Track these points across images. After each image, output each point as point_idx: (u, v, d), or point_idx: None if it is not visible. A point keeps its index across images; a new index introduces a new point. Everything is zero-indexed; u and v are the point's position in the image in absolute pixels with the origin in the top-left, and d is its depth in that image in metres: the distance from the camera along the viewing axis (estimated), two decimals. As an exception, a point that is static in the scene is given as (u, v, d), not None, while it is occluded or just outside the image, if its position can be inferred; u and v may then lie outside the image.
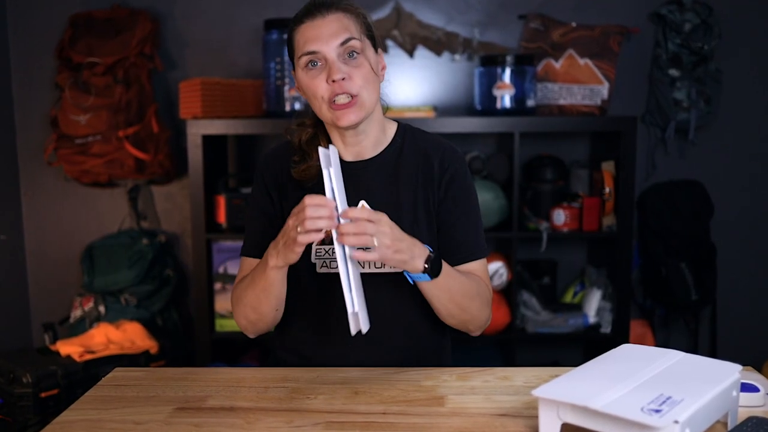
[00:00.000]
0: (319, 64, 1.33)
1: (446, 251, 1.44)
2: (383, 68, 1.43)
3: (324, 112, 1.37)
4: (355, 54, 1.34)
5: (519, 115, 2.68)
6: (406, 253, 1.24)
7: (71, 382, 2.38)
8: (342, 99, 1.33)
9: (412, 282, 1.32)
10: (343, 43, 1.32)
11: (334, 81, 1.32)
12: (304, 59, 1.34)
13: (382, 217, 1.23)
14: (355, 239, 1.19)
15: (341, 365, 1.42)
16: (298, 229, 1.20)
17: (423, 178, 1.45)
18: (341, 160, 1.46)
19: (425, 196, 1.45)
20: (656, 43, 2.90)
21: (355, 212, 1.20)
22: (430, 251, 1.28)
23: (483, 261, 1.46)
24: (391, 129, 1.49)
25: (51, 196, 3.04)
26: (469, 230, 1.44)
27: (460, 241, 1.44)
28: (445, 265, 1.32)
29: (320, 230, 1.19)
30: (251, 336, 1.47)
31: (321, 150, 1.23)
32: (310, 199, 1.19)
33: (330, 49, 1.32)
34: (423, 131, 1.51)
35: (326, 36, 1.32)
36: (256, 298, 1.37)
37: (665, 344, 2.97)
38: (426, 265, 1.27)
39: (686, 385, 1.02)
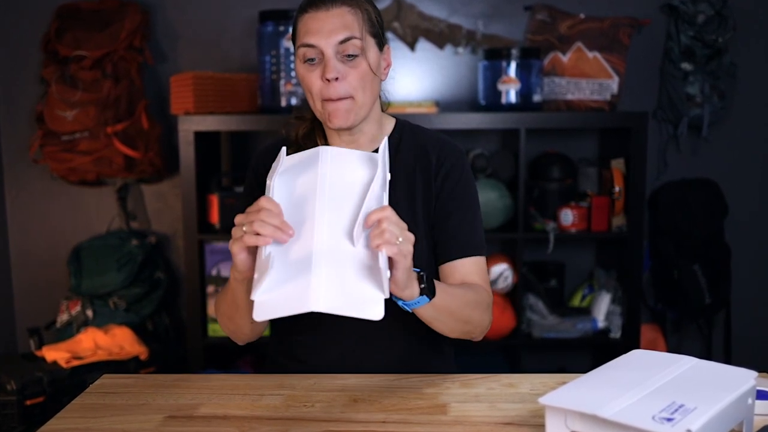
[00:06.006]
0: (317, 59, 1.33)
1: (439, 246, 1.42)
2: (387, 66, 1.42)
3: (317, 109, 1.37)
4: (353, 54, 1.32)
5: (525, 110, 2.66)
6: (406, 273, 1.15)
7: (57, 389, 2.36)
8: (333, 99, 1.33)
9: (409, 310, 1.23)
10: (343, 42, 1.31)
11: (327, 80, 1.31)
12: (302, 51, 1.33)
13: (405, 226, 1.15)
14: (378, 238, 1.09)
15: (339, 370, 1.40)
16: (244, 228, 1.12)
17: (422, 175, 1.43)
18: None
19: (425, 193, 1.43)
20: (668, 36, 2.87)
21: (377, 213, 1.10)
22: (418, 271, 1.21)
23: (479, 259, 1.42)
24: (389, 125, 1.48)
25: (37, 195, 3.02)
26: (464, 225, 1.41)
27: (454, 235, 1.41)
28: (438, 283, 1.26)
29: (265, 236, 1.10)
30: (240, 344, 1.45)
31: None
32: (266, 202, 1.12)
33: (328, 45, 1.31)
34: (422, 127, 1.50)
35: (326, 31, 1.31)
36: (228, 309, 1.35)
37: (677, 350, 2.95)
38: (421, 285, 1.19)
39: (699, 392, 1.00)
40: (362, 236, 1.11)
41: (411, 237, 1.13)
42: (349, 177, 1.17)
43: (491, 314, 1.41)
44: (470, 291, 1.35)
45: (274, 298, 1.06)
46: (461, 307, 1.31)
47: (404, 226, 1.13)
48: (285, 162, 1.22)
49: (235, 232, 1.13)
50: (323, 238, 1.10)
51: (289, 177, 1.19)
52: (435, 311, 1.26)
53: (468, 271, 1.40)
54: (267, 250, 1.10)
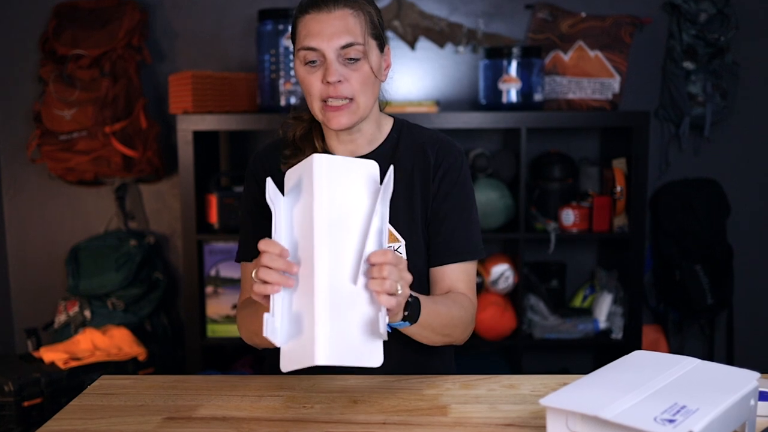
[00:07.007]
0: (318, 61, 1.32)
1: (432, 248, 1.42)
2: (387, 67, 1.42)
3: (316, 111, 1.36)
4: (355, 58, 1.32)
5: (526, 109, 2.64)
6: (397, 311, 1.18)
7: (55, 390, 2.35)
8: (335, 102, 1.33)
9: (389, 330, 1.23)
10: (344, 47, 1.31)
11: (329, 83, 1.31)
12: (303, 53, 1.33)
13: (404, 262, 1.15)
14: (378, 286, 1.10)
15: (339, 372, 1.38)
16: (253, 275, 1.14)
17: (420, 174, 1.43)
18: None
19: (423, 193, 1.43)
20: (670, 35, 2.85)
21: (379, 257, 1.11)
22: (410, 294, 1.22)
23: (470, 265, 1.43)
24: (387, 125, 1.48)
25: (34, 195, 3.00)
26: (458, 229, 1.41)
27: (447, 240, 1.41)
28: (424, 301, 1.25)
29: (272, 285, 1.11)
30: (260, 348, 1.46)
31: (269, 183, 1.16)
32: (265, 244, 1.12)
33: (330, 48, 1.30)
34: (420, 126, 1.49)
35: (328, 34, 1.30)
36: (258, 329, 1.34)
37: (680, 351, 2.93)
38: (405, 313, 1.21)
39: (702, 393, 1.00)
40: (362, 274, 1.12)
41: (409, 278, 1.14)
42: (346, 196, 1.16)
43: (474, 324, 1.42)
44: (455, 307, 1.35)
45: (293, 348, 1.13)
46: (443, 325, 1.32)
47: (404, 265, 1.14)
48: (286, 182, 1.21)
49: (252, 281, 1.17)
50: (323, 272, 1.11)
51: (290, 198, 1.19)
52: (416, 329, 1.27)
53: (457, 278, 1.41)
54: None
